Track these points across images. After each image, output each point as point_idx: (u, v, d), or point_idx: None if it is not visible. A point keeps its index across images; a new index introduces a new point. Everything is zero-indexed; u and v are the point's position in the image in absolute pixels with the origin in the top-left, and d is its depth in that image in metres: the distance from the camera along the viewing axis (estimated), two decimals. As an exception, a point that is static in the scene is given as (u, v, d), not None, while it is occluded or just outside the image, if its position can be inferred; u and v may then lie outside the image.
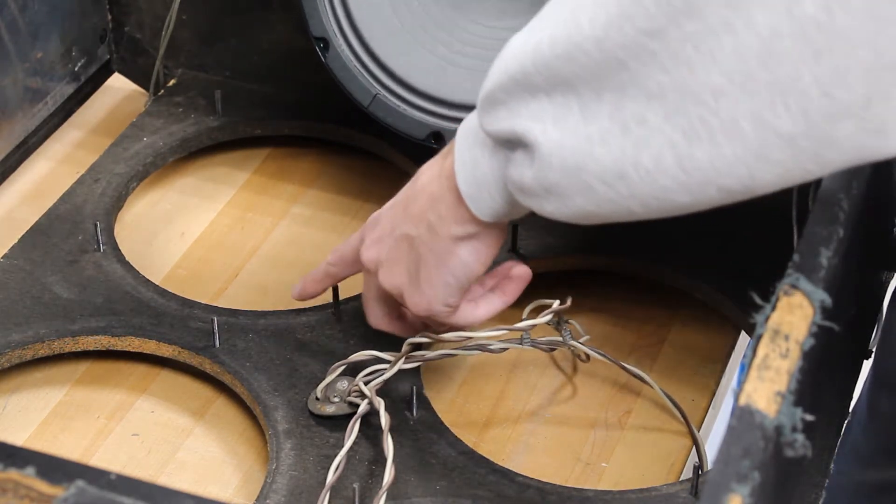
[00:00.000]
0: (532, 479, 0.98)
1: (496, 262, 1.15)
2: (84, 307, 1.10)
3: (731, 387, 1.26)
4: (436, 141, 1.13)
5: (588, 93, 0.77)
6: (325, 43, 1.15)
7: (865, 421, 1.19)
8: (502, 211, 0.90)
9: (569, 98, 0.78)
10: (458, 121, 1.13)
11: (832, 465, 1.11)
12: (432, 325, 1.00)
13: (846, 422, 1.16)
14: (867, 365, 1.13)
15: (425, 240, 0.93)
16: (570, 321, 1.09)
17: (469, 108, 1.12)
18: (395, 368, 1.02)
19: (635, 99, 0.74)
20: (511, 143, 0.84)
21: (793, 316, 0.73)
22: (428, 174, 0.94)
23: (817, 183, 0.84)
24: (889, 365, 1.14)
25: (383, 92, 1.15)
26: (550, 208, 0.83)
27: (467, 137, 0.89)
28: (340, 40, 1.15)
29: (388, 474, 0.95)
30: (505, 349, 1.06)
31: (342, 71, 1.16)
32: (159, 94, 1.32)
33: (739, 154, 0.72)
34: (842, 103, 0.68)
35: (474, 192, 0.89)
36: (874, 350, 1.12)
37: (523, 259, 1.15)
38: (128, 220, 1.24)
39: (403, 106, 1.15)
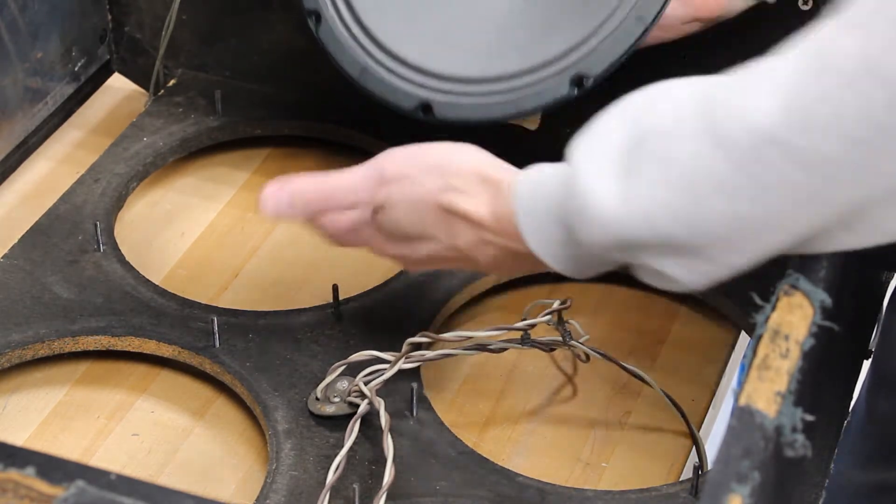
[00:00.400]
0: (532, 479, 0.98)
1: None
2: (84, 307, 1.10)
3: (731, 387, 1.26)
4: (424, 112, 1.12)
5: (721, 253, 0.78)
6: (318, 16, 1.14)
7: (864, 422, 1.19)
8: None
9: (697, 259, 0.79)
10: (448, 93, 1.11)
11: (832, 465, 1.11)
12: None
13: (846, 422, 1.16)
14: (867, 365, 1.13)
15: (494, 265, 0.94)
16: (570, 321, 1.09)
17: (459, 80, 1.11)
18: (395, 368, 1.02)
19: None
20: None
21: (793, 316, 0.73)
22: (473, 236, 0.91)
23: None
24: (888, 366, 1.14)
25: (373, 64, 1.14)
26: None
27: (547, 235, 0.87)
28: (332, 12, 1.14)
29: (388, 474, 0.95)
30: (505, 349, 1.06)
31: (333, 43, 1.14)
32: (159, 94, 1.32)
33: None
34: None
35: (573, 271, 0.89)
36: (874, 350, 1.12)
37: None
38: (128, 220, 1.24)
39: (393, 78, 1.14)
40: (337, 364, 1.04)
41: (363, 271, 1.18)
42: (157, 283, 1.14)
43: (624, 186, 0.79)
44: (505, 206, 0.88)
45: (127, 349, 1.08)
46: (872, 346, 1.11)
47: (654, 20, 1.03)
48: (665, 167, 0.77)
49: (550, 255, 0.87)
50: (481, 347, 1.04)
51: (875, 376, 1.17)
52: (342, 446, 0.98)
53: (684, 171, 0.76)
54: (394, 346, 1.05)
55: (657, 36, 1.05)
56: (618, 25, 1.03)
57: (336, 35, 1.14)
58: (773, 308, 0.74)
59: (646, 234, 0.79)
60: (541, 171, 0.88)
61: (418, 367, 1.04)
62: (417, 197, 0.92)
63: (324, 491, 0.95)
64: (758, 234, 0.75)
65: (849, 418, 1.16)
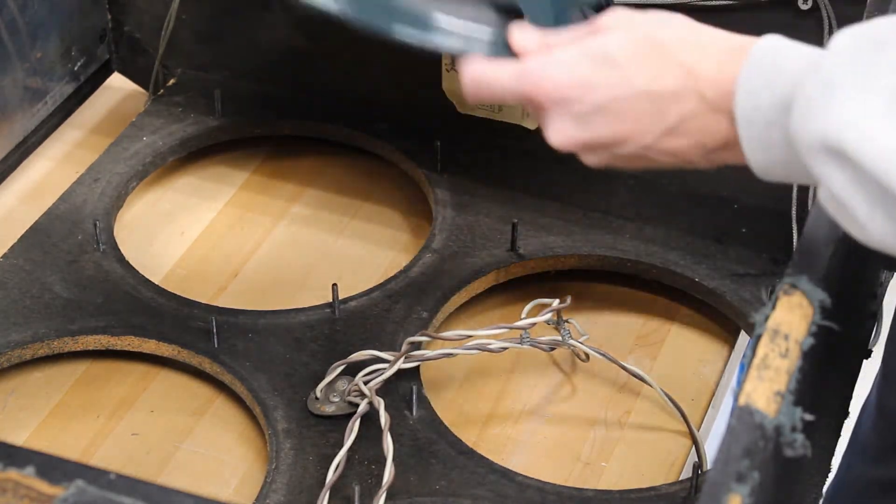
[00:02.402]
0: (532, 478, 0.98)
1: (496, 261, 1.15)
2: (84, 307, 1.10)
3: (730, 387, 1.26)
4: None
5: None
6: None
7: (874, 418, 1.18)
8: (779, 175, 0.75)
9: None
10: None
11: (842, 462, 1.11)
12: None
13: (857, 418, 1.15)
14: (867, 365, 1.13)
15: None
16: (569, 321, 1.09)
17: None
18: (395, 368, 1.02)
19: None
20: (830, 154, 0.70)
21: (793, 315, 0.73)
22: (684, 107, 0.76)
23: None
24: None
25: None
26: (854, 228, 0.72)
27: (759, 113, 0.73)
28: None
29: (388, 474, 0.95)
30: (505, 349, 1.06)
31: None
32: (159, 93, 1.32)
33: None
34: None
35: (764, 164, 0.74)
36: (884, 346, 1.11)
37: (523, 259, 1.15)
38: (128, 220, 1.24)
39: None
40: (336, 364, 1.04)
41: (363, 271, 1.18)
42: (156, 283, 1.13)
43: (886, 113, 0.67)
44: (733, 58, 0.75)
45: (127, 349, 1.08)
46: (872, 345, 1.11)
47: None
48: None
49: (746, 120, 0.73)
50: (481, 347, 1.04)
51: (885, 373, 1.16)
52: (342, 446, 0.98)
53: None
54: (393, 346, 1.05)
55: None
56: None
57: None
58: (773, 308, 0.74)
59: (873, 161, 0.67)
60: (794, 46, 0.74)
61: (418, 366, 1.04)
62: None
63: (323, 490, 0.95)
64: None
65: (859, 414, 1.16)
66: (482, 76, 0.81)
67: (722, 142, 0.77)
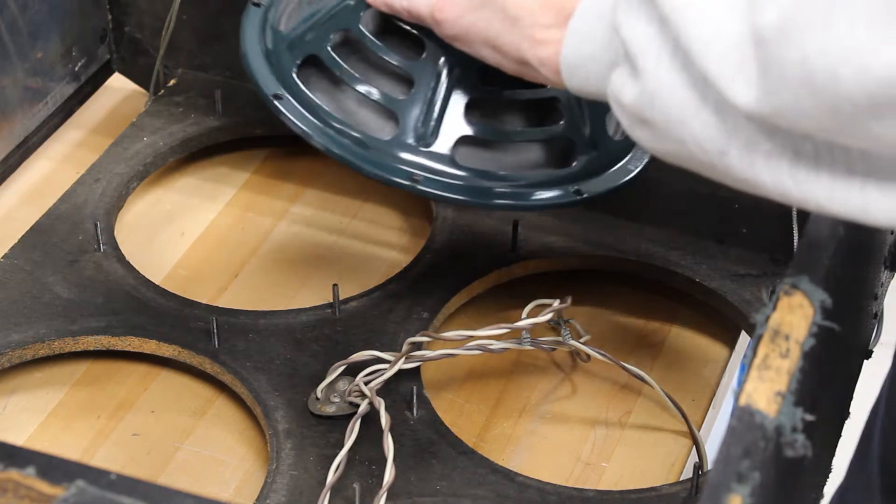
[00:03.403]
0: (532, 479, 0.98)
1: (496, 261, 1.15)
2: (84, 307, 1.10)
3: (731, 387, 1.26)
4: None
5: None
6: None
7: (883, 424, 1.18)
8: (591, 93, 0.82)
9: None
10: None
11: (848, 468, 1.10)
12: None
13: (865, 425, 1.15)
14: (868, 365, 1.13)
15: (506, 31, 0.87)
16: (570, 321, 1.09)
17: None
18: (395, 368, 1.02)
19: None
20: (625, 53, 0.76)
21: (793, 316, 0.73)
22: None
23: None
24: None
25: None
26: (640, 134, 0.77)
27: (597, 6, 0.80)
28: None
29: (388, 474, 0.95)
30: (505, 349, 1.06)
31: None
32: (159, 94, 1.32)
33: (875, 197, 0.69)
34: None
35: (574, 62, 0.81)
36: (894, 353, 1.11)
37: (523, 259, 1.15)
38: (128, 220, 1.24)
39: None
40: (337, 364, 1.04)
41: (363, 271, 1.18)
42: (157, 283, 1.14)
43: None
44: None
45: (127, 349, 1.08)
46: (873, 346, 1.11)
47: None
48: None
49: (582, 12, 0.81)
50: (481, 347, 1.04)
51: (894, 377, 1.16)
52: (342, 446, 0.98)
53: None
54: (394, 346, 1.05)
55: None
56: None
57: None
58: (774, 308, 0.74)
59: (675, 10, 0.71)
60: None
61: (418, 366, 1.04)
62: None
63: (324, 491, 0.95)
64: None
65: (868, 421, 1.16)
66: None
67: (552, 21, 0.84)
